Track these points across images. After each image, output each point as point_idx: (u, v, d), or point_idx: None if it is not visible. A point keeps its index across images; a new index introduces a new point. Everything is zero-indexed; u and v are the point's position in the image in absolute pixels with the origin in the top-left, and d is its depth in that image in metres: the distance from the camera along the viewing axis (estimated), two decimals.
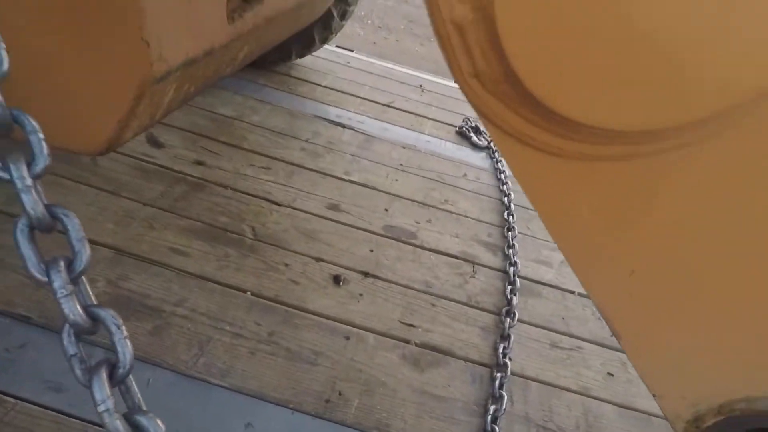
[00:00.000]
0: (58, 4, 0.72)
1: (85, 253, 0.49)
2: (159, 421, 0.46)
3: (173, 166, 1.69)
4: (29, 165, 0.48)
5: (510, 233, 1.85)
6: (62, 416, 0.93)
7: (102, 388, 0.45)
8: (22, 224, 0.47)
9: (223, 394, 1.06)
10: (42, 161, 0.49)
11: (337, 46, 3.17)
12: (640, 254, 0.55)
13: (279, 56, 2.46)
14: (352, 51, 3.30)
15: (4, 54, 0.48)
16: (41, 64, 0.77)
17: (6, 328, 1.05)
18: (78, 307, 0.47)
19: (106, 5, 0.67)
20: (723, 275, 0.56)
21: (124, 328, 0.47)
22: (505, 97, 0.46)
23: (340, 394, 1.14)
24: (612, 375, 1.40)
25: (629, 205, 0.50)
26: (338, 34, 2.58)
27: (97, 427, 0.91)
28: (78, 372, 0.47)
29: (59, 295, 0.47)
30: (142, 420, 0.45)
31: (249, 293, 1.31)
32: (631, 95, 0.43)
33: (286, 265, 1.44)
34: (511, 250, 1.76)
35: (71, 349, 0.47)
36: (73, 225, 0.49)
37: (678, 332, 0.59)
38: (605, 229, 0.53)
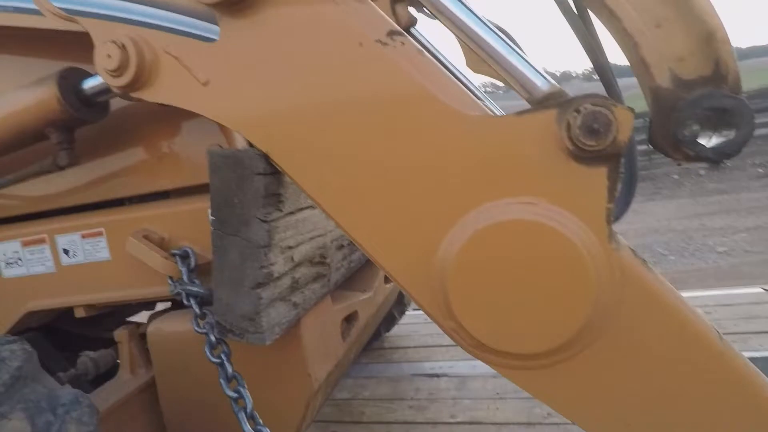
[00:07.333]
0: (259, 369, 1.28)
1: None
2: None
3: None
4: None
5: None
6: None
7: None
8: None
9: None
10: None
11: (413, 309, 3.80)
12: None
13: (371, 338, 3.06)
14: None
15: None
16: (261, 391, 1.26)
17: None
18: None
19: (290, 364, 1.23)
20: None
21: None
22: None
23: None
24: None
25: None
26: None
27: None
28: None
29: None
30: None
31: None
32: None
33: None
34: None
35: None
36: None
37: None
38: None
